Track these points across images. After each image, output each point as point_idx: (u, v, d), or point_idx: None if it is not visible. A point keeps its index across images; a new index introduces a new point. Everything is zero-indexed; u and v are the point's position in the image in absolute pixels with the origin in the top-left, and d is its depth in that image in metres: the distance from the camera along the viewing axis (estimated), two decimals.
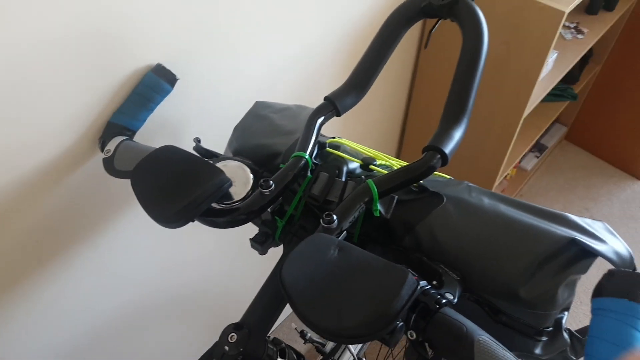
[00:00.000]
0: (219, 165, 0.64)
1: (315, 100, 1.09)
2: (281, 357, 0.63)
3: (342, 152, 0.68)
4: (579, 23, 1.64)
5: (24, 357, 0.88)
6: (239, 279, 1.33)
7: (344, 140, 0.71)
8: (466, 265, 0.55)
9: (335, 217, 0.54)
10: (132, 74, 0.73)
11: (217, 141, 0.89)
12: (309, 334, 0.78)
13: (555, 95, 1.87)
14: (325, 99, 0.67)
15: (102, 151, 0.72)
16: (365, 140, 1.55)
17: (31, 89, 0.64)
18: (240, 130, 0.76)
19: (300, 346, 1.60)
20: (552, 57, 1.44)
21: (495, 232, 0.55)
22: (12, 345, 0.85)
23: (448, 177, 0.67)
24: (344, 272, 0.46)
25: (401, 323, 0.45)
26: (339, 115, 0.69)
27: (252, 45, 0.90)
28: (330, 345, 0.84)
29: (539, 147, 2.23)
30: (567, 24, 1.63)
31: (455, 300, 0.51)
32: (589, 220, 0.56)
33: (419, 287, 0.43)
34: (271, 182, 0.59)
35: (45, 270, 0.82)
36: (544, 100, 1.84)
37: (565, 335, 0.57)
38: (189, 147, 0.73)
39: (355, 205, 0.56)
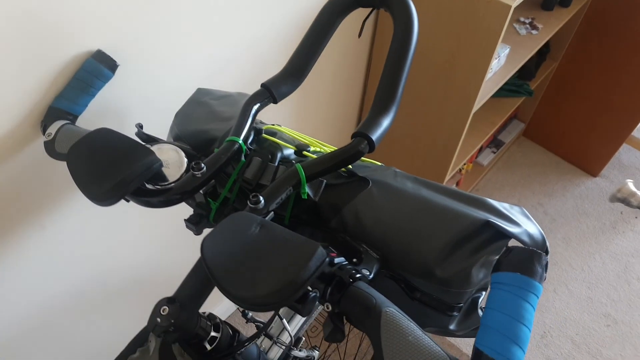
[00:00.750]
0: (154, 148, 0.65)
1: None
2: (215, 331, 0.65)
3: (279, 139, 0.70)
4: (534, 19, 1.68)
5: None
6: (177, 258, 1.33)
7: (282, 128, 0.73)
8: (386, 245, 0.58)
9: (262, 198, 0.56)
10: (72, 60, 0.74)
11: (160, 128, 0.90)
12: (250, 314, 0.80)
13: (510, 91, 1.92)
14: (262, 85, 0.69)
15: (44, 135, 0.73)
16: (320, 134, 1.58)
17: None
18: (181, 116, 0.77)
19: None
20: (504, 52, 1.49)
21: (415, 213, 0.58)
22: None
23: (379, 163, 0.69)
24: (262, 247, 0.48)
25: (314, 294, 0.47)
26: (275, 102, 0.70)
27: (196, 33, 0.91)
28: (277, 327, 0.86)
29: (496, 143, 2.30)
30: (522, 19, 1.68)
31: (371, 276, 0.54)
32: (507, 205, 0.59)
33: (327, 259, 0.45)
34: (203, 164, 0.61)
35: None
36: (499, 95, 1.90)
37: (481, 313, 0.60)
38: (131, 132, 0.74)
39: (283, 187, 0.58)
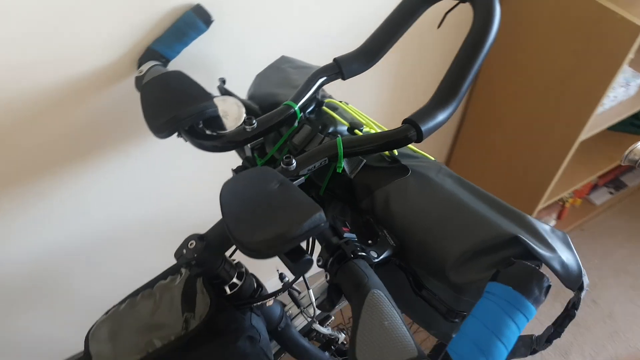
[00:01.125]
0: (219, 98, 0.70)
1: None
2: (237, 279, 0.69)
3: (337, 114, 0.70)
4: None
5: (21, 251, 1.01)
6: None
7: (346, 106, 0.73)
8: (408, 236, 0.56)
9: (294, 161, 0.57)
10: (173, 10, 0.81)
11: (242, 87, 0.95)
12: (286, 277, 0.82)
13: None
14: (334, 60, 0.70)
15: (137, 70, 0.81)
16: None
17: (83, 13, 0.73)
18: (259, 78, 0.81)
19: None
20: (635, 81, 1.34)
21: (444, 211, 0.55)
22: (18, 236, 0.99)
23: (431, 158, 0.67)
24: (273, 201, 0.49)
25: (309, 257, 0.49)
26: (343, 78, 0.71)
27: (294, 6, 0.94)
28: (306, 297, 0.87)
29: (616, 184, 2.07)
30: None
31: (377, 260, 0.53)
32: (547, 227, 0.54)
33: (323, 225, 0.46)
34: (254, 121, 0.64)
35: (76, 168, 0.94)
36: (625, 129, 1.70)
37: None
38: (214, 85, 0.79)
39: (318, 157, 0.58)
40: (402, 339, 0.42)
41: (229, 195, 0.50)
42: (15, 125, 0.81)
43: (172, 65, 0.85)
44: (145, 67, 0.80)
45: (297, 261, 0.48)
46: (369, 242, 0.56)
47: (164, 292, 0.70)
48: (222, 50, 0.92)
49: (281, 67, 0.82)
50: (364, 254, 0.51)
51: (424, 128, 0.55)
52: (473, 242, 0.52)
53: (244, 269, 0.71)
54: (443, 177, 0.60)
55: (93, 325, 0.69)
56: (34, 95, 0.79)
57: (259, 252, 0.45)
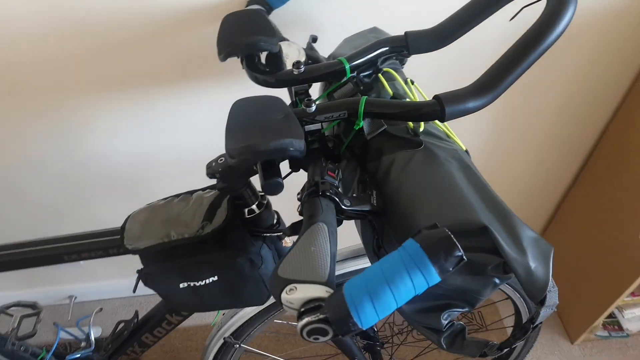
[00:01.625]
0: (286, 43, 0.76)
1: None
2: (257, 207, 0.76)
3: (389, 85, 0.72)
4: None
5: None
6: None
7: (407, 82, 0.74)
8: (394, 202, 0.57)
9: (314, 105, 0.61)
10: None
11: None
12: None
13: None
14: (404, 33, 0.72)
15: None
16: (500, 184, 1.46)
17: None
18: (344, 41, 0.86)
19: None
20: None
21: (432, 187, 0.55)
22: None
23: (463, 147, 0.66)
24: (268, 125, 0.55)
25: (280, 181, 0.53)
26: (409, 53, 0.73)
27: None
28: None
29: None
30: None
31: (348, 209, 0.55)
32: (532, 234, 0.51)
33: (292, 150, 0.50)
34: (302, 66, 0.69)
35: (177, 89, 1.08)
36: None
37: (443, 323, 0.55)
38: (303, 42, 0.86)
39: (339, 108, 0.61)
40: (320, 266, 0.45)
41: (238, 110, 0.57)
42: (140, 38, 0.97)
43: (274, 16, 0.93)
44: (249, 7, 0.89)
45: (268, 179, 0.52)
46: (354, 195, 0.58)
47: (197, 200, 0.79)
48: (324, 12, 0.98)
49: (366, 36, 0.85)
50: (332, 195, 0.53)
51: (448, 109, 0.55)
52: (442, 220, 0.52)
53: (266, 202, 0.77)
54: (451, 159, 0.59)
55: (136, 210, 0.82)
56: (157, 18, 0.94)
57: (232, 157, 0.51)
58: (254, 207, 0.75)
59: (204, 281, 0.76)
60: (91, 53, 1.00)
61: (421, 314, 0.56)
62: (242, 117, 0.56)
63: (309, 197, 0.54)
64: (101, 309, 1.02)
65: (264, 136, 0.51)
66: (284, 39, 0.78)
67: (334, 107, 0.62)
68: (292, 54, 0.75)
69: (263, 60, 0.75)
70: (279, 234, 0.78)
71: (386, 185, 0.59)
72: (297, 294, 0.43)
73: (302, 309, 0.42)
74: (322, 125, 0.63)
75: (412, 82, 0.76)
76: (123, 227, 0.79)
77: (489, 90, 0.55)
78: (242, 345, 0.98)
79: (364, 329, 0.41)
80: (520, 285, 0.49)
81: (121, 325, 1.02)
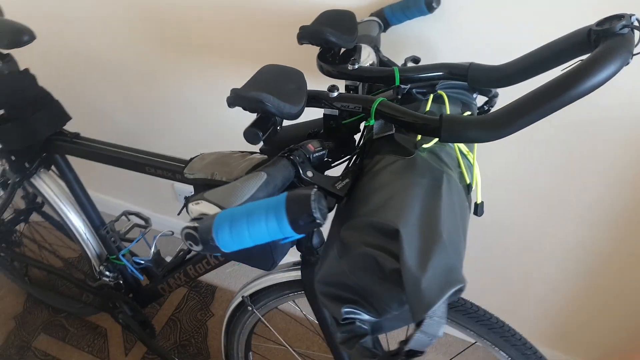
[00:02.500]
0: (365, 46, 0.82)
1: None
2: None
3: (433, 105, 0.72)
4: None
5: None
6: None
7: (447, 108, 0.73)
8: (355, 193, 0.60)
9: (336, 92, 0.67)
10: None
11: None
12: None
13: None
14: (470, 63, 0.72)
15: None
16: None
17: None
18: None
19: None
20: None
21: (388, 192, 0.57)
22: None
23: (467, 180, 0.64)
24: (276, 87, 0.62)
25: (260, 135, 0.61)
26: (467, 82, 0.72)
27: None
28: None
29: None
30: None
31: (303, 177, 0.59)
32: (449, 264, 0.50)
33: (270, 104, 0.58)
34: (357, 65, 0.74)
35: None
36: None
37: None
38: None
39: (355, 102, 0.66)
40: (231, 197, 0.51)
41: (264, 72, 0.65)
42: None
43: (391, 31, 0.99)
44: (368, 18, 0.97)
45: (250, 127, 0.60)
46: (326, 175, 0.62)
47: (250, 159, 0.90)
48: (435, 36, 1.00)
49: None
50: (296, 161, 0.59)
51: (445, 130, 0.55)
52: (372, 216, 0.53)
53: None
54: (427, 177, 0.59)
55: (207, 152, 0.96)
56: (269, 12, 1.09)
57: (228, 99, 0.60)
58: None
59: None
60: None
61: (328, 297, 0.57)
62: (262, 76, 0.64)
63: (280, 155, 0.60)
64: (172, 233, 1.19)
65: (257, 89, 0.59)
66: (360, 42, 0.84)
67: (352, 99, 0.66)
68: (364, 56, 0.81)
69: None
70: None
71: (362, 178, 0.62)
72: (198, 207, 0.50)
73: (193, 217, 0.49)
74: (342, 114, 0.69)
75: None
76: (190, 159, 0.94)
77: (498, 126, 0.53)
78: (256, 311, 1.06)
79: (222, 250, 0.47)
80: (406, 296, 0.48)
81: (181, 252, 1.19)
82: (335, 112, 0.69)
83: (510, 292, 1.44)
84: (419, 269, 0.48)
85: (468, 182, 0.65)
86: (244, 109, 0.60)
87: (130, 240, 1.25)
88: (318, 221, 0.44)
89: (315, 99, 0.69)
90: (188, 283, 1.16)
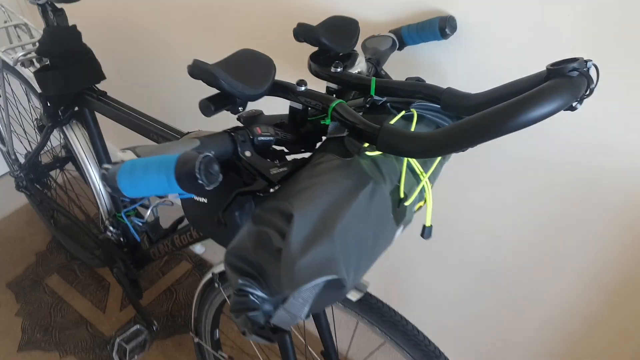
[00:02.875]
0: (362, 55, 0.85)
1: None
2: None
3: (400, 121, 0.72)
4: None
5: None
6: None
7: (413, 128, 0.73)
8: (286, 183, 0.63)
9: (303, 87, 0.70)
10: (433, 11, 0.95)
11: None
12: None
13: None
14: (447, 88, 0.72)
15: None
16: None
17: None
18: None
19: None
20: None
21: (308, 186, 0.59)
22: None
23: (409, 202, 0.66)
24: (242, 69, 0.66)
25: (212, 108, 0.66)
26: (439, 104, 0.72)
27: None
28: None
29: None
30: None
31: (240, 155, 0.63)
32: (327, 256, 0.53)
33: (225, 82, 0.62)
34: (340, 69, 0.77)
35: None
36: None
37: None
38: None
39: (317, 99, 0.68)
40: (153, 152, 0.55)
41: (239, 54, 0.69)
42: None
43: (407, 50, 1.00)
44: (384, 34, 0.99)
45: (204, 99, 0.64)
46: (267, 160, 0.65)
47: None
48: (446, 61, 1.00)
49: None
50: (236, 139, 0.62)
51: (381, 140, 0.57)
52: (282, 199, 0.56)
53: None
54: (352, 179, 0.60)
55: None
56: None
57: (188, 67, 0.64)
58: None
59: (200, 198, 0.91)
60: None
61: (231, 268, 0.60)
62: (234, 57, 0.69)
63: (224, 130, 0.64)
64: (172, 204, 1.26)
65: (220, 65, 0.63)
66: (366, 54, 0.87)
67: (315, 96, 0.69)
68: (359, 65, 0.83)
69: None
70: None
71: (302, 170, 0.64)
72: (121, 154, 0.55)
73: (113, 161, 0.54)
74: (306, 110, 0.72)
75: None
76: (186, 133, 0.99)
77: (431, 146, 0.54)
78: (222, 290, 1.09)
79: (124, 194, 0.51)
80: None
81: (176, 220, 1.25)
82: (299, 106, 0.72)
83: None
84: (299, 251, 0.51)
85: (402, 196, 0.65)
86: (203, 81, 0.64)
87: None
88: (201, 182, 0.47)
89: (283, 90, 0.72)
90: (174, 251, 1.22)
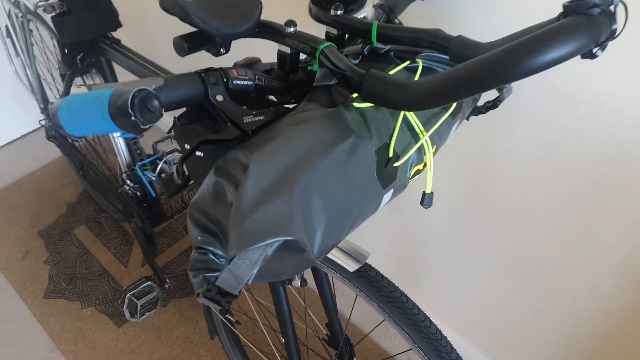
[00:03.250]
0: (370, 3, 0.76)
1: None
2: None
3: (407, 68, 0.64)
4: None
5: None
6: None
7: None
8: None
9: (293, 28, 0.62)
10: None
11: None
12: None
13: None
14: (457, 36, 0.63)
15: None
16: None
17: None
18: None
19: None
20: None
21: (285, 139, 0.52)
22: None
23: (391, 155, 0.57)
24: (222, 6, 0.59)
25: (185, 50, 0.60)
26: (445, 53, 0.63)
27: None
28: None
29: None
30: None
31: (211, 99, 0.57)
32: (285, 213, 0.46)
33: (196, 17, 0.55)
34: (340, 12, 0.68)
35: None
36: None
37: None
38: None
39: (306, 41, 0.61)
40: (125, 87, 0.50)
41: None
42: None
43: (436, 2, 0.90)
44: None
45: (182, 37, 0.58)
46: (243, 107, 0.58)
47: None
48: (477, 14, 0.89)
49: None
50: (207, 81, 0.56)
51: (364, 88, 0.50)
52: (244, 148, 0.50)
53: None
54: (332, 131, 0.53)
55: None
56: None
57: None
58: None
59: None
60: None
61: (194, 222, 0.55)
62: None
63: (195, 71, 0.57)
64: None
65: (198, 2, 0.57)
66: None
67: (303, 39, 0.62)
68: (364, 9, 0.74)
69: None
70: None
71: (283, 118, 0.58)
72: (75, 89, 0.50)
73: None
74: (297, 54, 0.64)
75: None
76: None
77: (421, 98, 0.46)
78: None
79: (66, 130, 0.46)
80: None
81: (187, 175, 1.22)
82: (287, 49, 0.64)
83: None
84: (251, 206, 0.45)
85: (390, 155, 0.57)
86: (177, 17, 0.58)
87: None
88: (134, 119, 0.41)
89: (270, 30, 0.65)
90: (185, 208, 1.20)
